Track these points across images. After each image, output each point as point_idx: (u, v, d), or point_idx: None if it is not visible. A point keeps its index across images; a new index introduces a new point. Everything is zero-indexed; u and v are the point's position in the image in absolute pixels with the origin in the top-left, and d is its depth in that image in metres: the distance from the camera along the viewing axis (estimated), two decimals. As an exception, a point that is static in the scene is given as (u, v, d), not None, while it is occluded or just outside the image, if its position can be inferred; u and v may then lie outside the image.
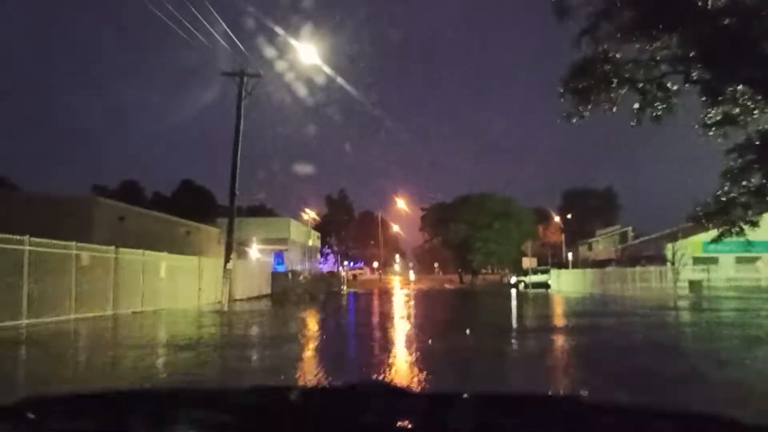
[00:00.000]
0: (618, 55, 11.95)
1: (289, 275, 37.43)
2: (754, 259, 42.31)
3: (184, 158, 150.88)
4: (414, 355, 10.95)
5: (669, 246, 32.48)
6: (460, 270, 70.06)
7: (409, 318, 20.25)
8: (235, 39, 20.70)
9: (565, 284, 40.65)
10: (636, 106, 12.45)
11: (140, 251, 20.61)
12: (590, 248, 74.16)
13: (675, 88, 12.27)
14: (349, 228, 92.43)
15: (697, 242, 40.64)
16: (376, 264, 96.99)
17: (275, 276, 36.92)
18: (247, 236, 44.43)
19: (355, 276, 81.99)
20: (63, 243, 16.18)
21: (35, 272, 15.05)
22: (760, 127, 12.89)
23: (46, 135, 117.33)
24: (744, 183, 14.30)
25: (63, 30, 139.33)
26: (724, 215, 15.15)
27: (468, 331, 14.44)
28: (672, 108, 12.51)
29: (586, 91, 12.23)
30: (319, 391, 1.32)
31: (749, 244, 18.38)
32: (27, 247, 14.76)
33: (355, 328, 17.99)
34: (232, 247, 22.65)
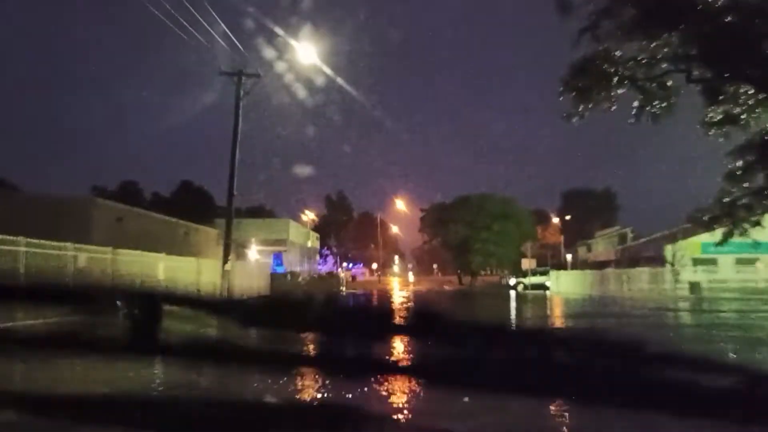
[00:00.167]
0: (618, 54, 11.88)
1: (288, 276, 37.36)
2: (753, 261, 42.21)
3: (184, 159, 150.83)
4: (413, 356, 10.83)
5: (669, 247, 32.43)
6: (459, 271, 69.91)
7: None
8: (234, 39, 20.61)
9: (565, 286, 40.54)
10: (635, 104, 12.36)
11: (138, 252, 20.50)
12: (589, 249, 74.08)
13: (675, 87, 12.19)
14: (348, 229, 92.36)
15: (696, 243, 40.57)
16: (375, 265, 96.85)
17: (274, 277, 36.82)
18: (246, 237, 44.36)
19: (354, 277, 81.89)
20: (59, 244, 16.06)
21: (32, 273, 14.92)
22: (761, 127, 12.80)
23: (45, 135, 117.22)
24: (746, 184, 14.20)
25: (61, 29, 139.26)
26: (728, 217, 15.05)
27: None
28: (671, 107, 12.42)
29: (586, 90, 12.14)
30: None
31: (755, 244, 18.28)
32: (22, 248, 14.65)
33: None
34: (230, 248, 22.53)
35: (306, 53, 21.18)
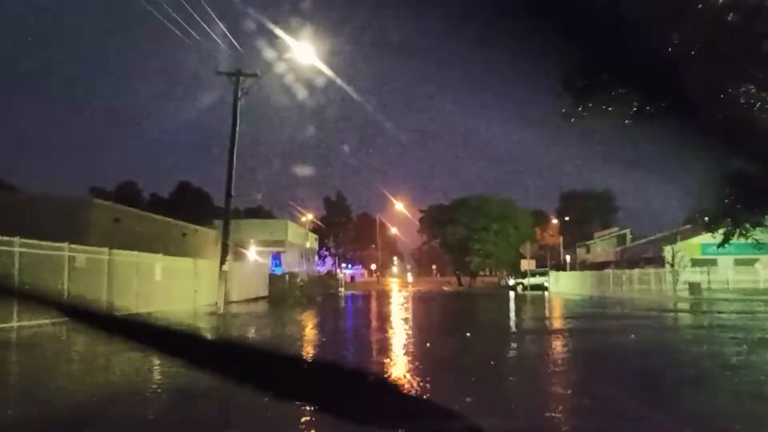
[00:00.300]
0: (619, 53, 11.75)
1: (287, 277, 37.25)
2: (752, 261, 42.17)
3: (183, 160, 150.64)
4: (413, 359, 10.73)
5: (668, 248, 32.34)
6: (458, 272, 69.89)
7: (407, 321, 20.04)
8: (232, 39, 20.53)
9: (564, 286, 40.48)
10: (635, 104, 12.23)
11: (134, 253, 20.38)
12: (588, 250, 74.06)
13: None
14: (347, 230, 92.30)
15: (695, 244, 40.50)
16: (374, 266, 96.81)
17: (272, 278, 36.71)
18: (245, 238, 44.24)
19: (352, 278, 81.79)
20: (54, 244, 15.94)
21: (26, 274, 14.82)
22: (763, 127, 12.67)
23: (44, 136, 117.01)
24: (746, 184, 14.08)
25: (59, 29, 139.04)
26: (729, 217, 14.93)
27: (468, 335, 14.25)
28: (671, 106, 12.28)
29: (586, 89, 12.02)
30: None
31: (758, 245, 18.18)
32: (17, 249, 14.53)
33: (354, 332, 17.78)
34: (228, 249, 22.42)
35: (305, 53, 21.08)
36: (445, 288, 58.42)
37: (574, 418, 6.25)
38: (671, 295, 27.31)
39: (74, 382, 8.64)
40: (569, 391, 7.60)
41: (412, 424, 0.97)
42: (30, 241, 14.98)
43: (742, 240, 16.71)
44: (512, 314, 23.39)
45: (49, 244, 15.73)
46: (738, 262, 42.83)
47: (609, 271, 40.05)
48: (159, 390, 7.54)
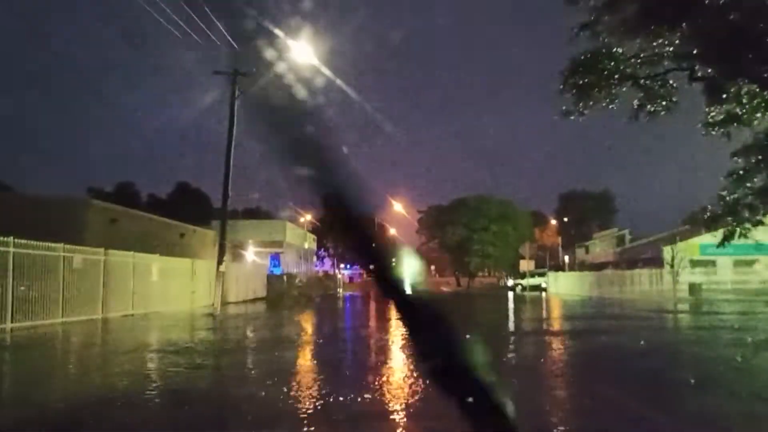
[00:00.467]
0: (620, 51, 11.66)
1: (284, 278, 37.10)
2: (751, 262, 42.13)
3: (181, 161, 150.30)
4: (413, 362, 10.58)
5: (668, 248, 32.19)
6: (456, 273, 69.74)
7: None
8: (230, 39, 20.20)
9: (563, 287, 40.35)
10: (636, 103, 12.16)
11: (130, 253, 20.22)
12: (587, 251, 73.95)
13: (677, 86, 11.99)
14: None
15: (694, 245, 40.43)
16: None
17: (270, 278, 36.57)
18: (243, 238, 44.07)
19: (351, 279, 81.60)
20: (49, 245, 15.77)
21: (21, 275, 14.67)
22: (766, 126, 12.59)
23: (43, 136, 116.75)
24: (749, 184, 14.01)
25: (57, 29, 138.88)
26: (730, 217, 14.84)
27: (468, 336, 14.07)
28: (672, 106, 12.21)
29: (586, 87, 11.93)
30: None
31: (758, 246, 18.07)
32: (11, 249, 14.36)
33: (352, 333, 17.63)
34: (225, 249, 22.24)
35: (303, 52, 20.92)
36: (444, 289, 58.26)
37: (578, 420, 6.13)
38: (671, 295, 27.16)
39: None
40: (572, 393, 7.48)
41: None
42: (24, 242, 14.82)
43: (742, 240, 16.61)
44: (511, 315, 23.26)
45: (44, 244, 15.57)
46: (737, 263, 42.78)
47: (608, 272, 39.98)
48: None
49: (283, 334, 16.02)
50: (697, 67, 11.53)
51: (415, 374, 8.74)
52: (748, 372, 9.13)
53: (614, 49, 11.61)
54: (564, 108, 12.54)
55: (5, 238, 14.28)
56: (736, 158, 13.90)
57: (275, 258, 47.55)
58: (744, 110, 11.99)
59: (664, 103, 11.99)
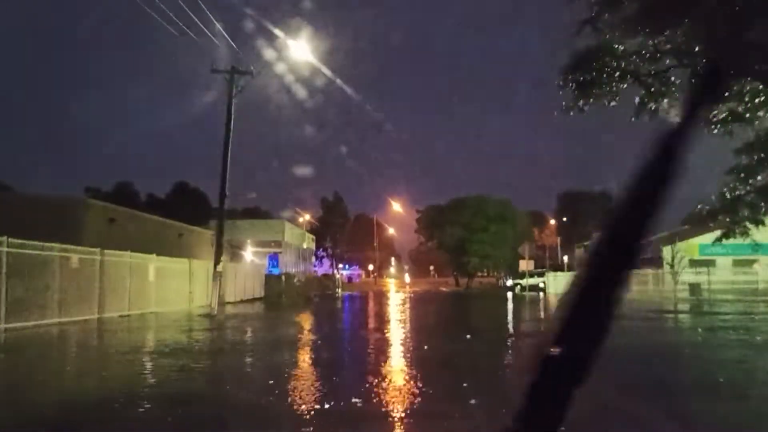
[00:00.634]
0: (621, 48, 11.50)
1: (283, 278, 36.95)
2: (751, 262, 42.02)
3: (180, 160, 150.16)
4: (412, 363, 10.44)
5: (668, 249, 32.05)
6: (455, 273, 69.59)
7: (404, 323, 19.76)
8: (228, 38, 20.20)
9: (562, 287, 40.18)
10: (637, 100, 11.99)
11: (127, 253, 20.06)
12: (586, 251, 73.81)
13: (678, 82, 11.82)
14: (344, 231, 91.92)
15: (694, 245, 40.29)
16: (371, 267, 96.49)
17: (269, 278, 36.41)
18: (241, 238, 43.92)
19: (350, 279, 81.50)
20: (44, 244, 15.61)
21: (15, 275, 14.50)
22: (770, 124, 12.46)
23: (42, 136, 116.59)
24: (750, 181, 13.87)
25: (55, 29, 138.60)
26: (730, 214, 14.70)
27: (468, 336, 13.97)
28: (675, 104, 12.04)
29: (587, 83, 11.76)
30: None
31: (756, 246, 17.94)
32: (5, 249, 14.19)
33: (350, 334, 17.47)
34: (222, 249, 22.10)
35: (301, 52, 20.81)
36: (443, 289, 58.16)
37: (579, 424, 5.97)
38: (671, 296, 27.04)
39: None
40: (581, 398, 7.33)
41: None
42: (19, 241, 14.66)
43: (741, 240, 16.47)
44: (511, 315, 23.12)
45: (39, 244, 15.41)
46: (736, 263, 42.67)
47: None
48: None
49: (280, 335, 15.86)
50: (699, 65, 11.35)
51: (414, 375, 8.60)
52: (756, 374, 8.99)
53: (615, 46, 11.45)
54: (563, 106, 12.37)
55: (-1, 238, 14.14)
56: (739, 155, 13.77)
57: (274, 258, 47.41)
58: (746, 108, 11.84)
59: (666, 100, 11.84)
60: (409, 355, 11.26)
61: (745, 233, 15.86)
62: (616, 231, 1.01)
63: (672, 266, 28.28)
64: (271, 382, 8.26)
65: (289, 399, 6.97)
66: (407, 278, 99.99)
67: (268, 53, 21.62)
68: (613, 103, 11.99)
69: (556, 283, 41.73)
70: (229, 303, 27.16)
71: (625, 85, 11.93)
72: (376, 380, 8.14)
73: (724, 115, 12.18)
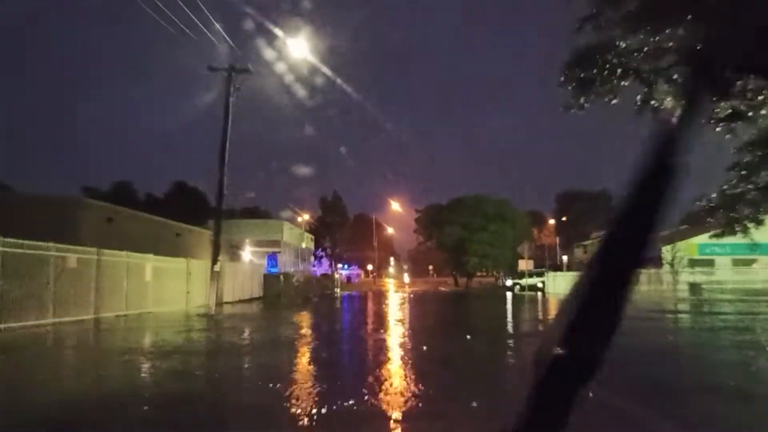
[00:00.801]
0: (623, 45, 11.37)
1: (281, 278, 36.82)
2: (750, 262, 41.90)
3: (179, 160, 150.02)
4: (411, 363, 10.31)
5: (667, 248, 31.94)
6: (454, 273, 69.48)
7: (403, 323, 19.63)
8: (227, 38, 20.07)
9: (562, 287, 40.12)
10: (639, 98, 11.88)
11: (123, 253, 19.92)
12: (585, 251, 73.74)
13: (680, 80, 11.72)
14: (343, 230, 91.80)
15: (693, 245, 40.20)
16: (370, 267, 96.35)
17: (267, 278, 36.28)
18: (240, 238, 43.78)
19: (349, 279, 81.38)
20: (40, 244, 15.47)
21: (11, 274, 14.36)
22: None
23: (41, 136, 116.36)
24: (753, 178, 13.77)
25: (53, 30, 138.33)
26: (730, 210, 14.60)
27: (468, 337, 13.84)
28: (676, 101, 11.90)
29: (588, 80, 11.65)
30: None
31: (754, 246, 17.85)
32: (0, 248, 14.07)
33: (349, 334, 17.33)
34: (219, 248, 21.96)
35: (300, 50, 20.69)
36: (442, 288, 58.06)
37: (583, 423, 5.86)
38: (671, 295, 26.92)
39: None
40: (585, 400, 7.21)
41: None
42: (13, 241, 14.51)
43: (740, 238, 16.37)
44: (510, 316, 23.00)
45: (34, 243, 15.26)
46: (736, 263, 42.57)
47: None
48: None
49: (278, 335, 15.72)
50: (702, 63, 11.22)
51: (414, 375, 8.48)
52: (761, 375, 8.87)
53: (617, 42, 11.33)
54: (564, 104, 12.25)
55: (-7, 237, 14.00)
56: (742, 153, 13.66)
57: (272, 258, 47.31)
58: (749, 106, 11.73)
59: (668, 98, 11.71)
60: (408, 355, 11.13)
61: (745, 231, 15.77)
62: (621, 229, 1.00)
63: (672, 266, 28.14)
64: (269, 383, 8.13)
65: (288, 400, 6.85)
66: (406, 278, 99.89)
67: (267, 52, 21.52)
68: (614, 101, 11.87)
69: (556, 283, 41.64)
70: (227, 303, 27.04)
71: (627, 83, 11.82)
72: (375, 381, 8.02)
73: (726, 113, 12.07)
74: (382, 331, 16.22)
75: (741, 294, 31.68)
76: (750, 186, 13.83)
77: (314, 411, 6.24)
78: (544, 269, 49.22)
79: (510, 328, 17.97)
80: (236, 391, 7.83)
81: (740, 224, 15.58)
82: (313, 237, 70.40)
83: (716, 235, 17.02)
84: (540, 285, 42.90)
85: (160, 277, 22.25)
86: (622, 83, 11.87)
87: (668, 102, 11.23)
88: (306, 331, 17.22)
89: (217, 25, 19.02)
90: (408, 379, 8.32)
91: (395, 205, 75.04)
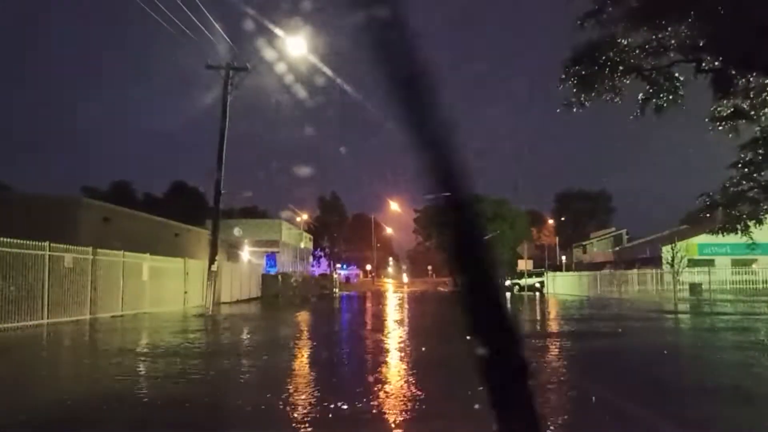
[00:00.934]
0: (625, 42, 11.26)
1: (279, 278, 36.67)
2: (749, 262, 41.79)
3: (179, 160, 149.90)
4: (411, 365, 10.17)
5: (668, 248, 31.78)
6: (453, 273, 69.28)
7: (402, 323, 19.50)
8: (226, 37, 19.92)
9: (561, 287, 40.03)
10: (641, 96, 11.77)
11: (120, 252, 19.76)
12: (584, 251, 73.66)
13: (683, 78, 11.61)
14: (342, 230, 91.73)
15: (692, 245, 40.07)
16: (369, 267, 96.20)
17: (265, 278, 36.13)
18: (238, 238, 43.59)
19: (348, 279, 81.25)
20: (35, 243, 15.32)
21: (4, 274, 14.21)
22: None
23: (40, 135, 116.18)
24: (755, 176, 13.67)
25: (49, 28, 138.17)
26: (731, 208, 14.50)
27: (468, 338, 13.68)
28: (678, 99, 11.83)
29: (590, 77, 11.53)
30: None
31: (753, 246, 17.72)
32: (-8, 247, 13.93)
33: (347, 334, 17.19)
34: (217, 248, 21.81)
35: (298, 48, 20.54)
36: (441, 289, 57.92)
37: (584, 424, 5.75)
38: (671, 295, 26.75)
39: None
40: (573, 401, 7.07)
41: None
42: (7, 240, 14.36)
43: (740, 236, 16.26)
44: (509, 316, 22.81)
45: (29, 243, 15.11)
46: (735, 263, 42.46)
47: (606, 272, 39.59)
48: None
49: (276, 335, 15.57)
50: (704, 59, 11.13)
51: (414, 377, 8.34)
52: (765, 376, 8.73)
53: (618, 39, 11.21)
54: (565, 102, 12.13)
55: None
56: (744, 151, 13.57)
57: (271, 258, 47.17)
58: (752, 105, 11.63)
59: (670, 96, 11.61)
60: (407, 356, 10.98)
61: (745, 229, 15.66)
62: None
63: (672, 265, 27.97)
64: (267, 383, 7.99)
65: (287, 400, 6.71)
66: (405, 278, 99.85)
67: (265, 50, 21.37)
68: (617, 99, 11.76)
69: (555, 284, 41.52)
70: (224, 303, 26.89)
71: (628, 80, 11.71)
72: (375, 382, 7.89)
73: (729, 112, 11.97)
74: (381, 331, 16.07)
75: (741, 294, 31.58)
76: (752, 184, 13.74)
77: (314, 411, 6.11)
78: (543, 269, 49.08)
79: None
80: (234, 393, 7.68)
81: (741, 222, 15.49)
82: (311, 237, 70.26)
83: (715, 232, 16.91)
84: (538, 285, 42.77)
85: (157, 277, 22.10)
86: (624, 80, 11.76)
87: (670, 99, 11.14)
88: (305, 331, 17.08)
89: (216, 25, 18.88)
90: (407, 380, 8.18)
91: (394, 205, 74.92)
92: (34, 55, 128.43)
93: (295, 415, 6.06)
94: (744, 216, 15.16)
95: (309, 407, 6.39)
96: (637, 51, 11.32)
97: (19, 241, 14.71)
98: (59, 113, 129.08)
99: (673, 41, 11.29)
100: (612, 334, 14.77)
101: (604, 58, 11.31)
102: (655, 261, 40.20)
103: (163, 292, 22.49)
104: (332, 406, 6.36)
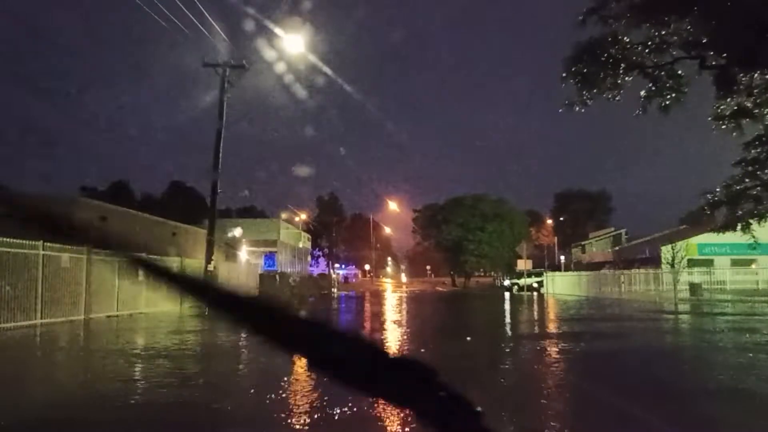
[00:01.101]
0: (627, 39, 11.10)
1: (277, 277, 36.50)
2: (749, 262, 41.70)
3: (178, 160, 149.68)
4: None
5: (668, 248, 31.65)
6: (452, 272, 69.23)
7: (401, 324, 19.35)
8: (225, 37, 19.73)
9: (560, 287, 39.87)
10: (643, 93, 11.62)
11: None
12: (583, 251, 73.53)
13: (686, 75, 11.46)
14: (341, 230, 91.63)
15: (692, 245, 39.95)
16: (368, 266, 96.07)
17: (263, 278, 35.96)
18: (236, 237, 43.42)
19: (346, 279, 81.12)
20: (27, 243, 15.13)
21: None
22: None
23: (39, 135, 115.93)
24: (759, 173, 13.53)
25: (45, 27, 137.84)
26: (734, 206, 14.36)
27: (468, 338, 13.56)
28: (681, 98, 11.67)
29: (591, 75, 11.36)
30: None
31: (753, 244, 17.58)
32: (-14, 247, 13.75)
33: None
34: (213, 247, 21.64)
35: (299, 49, 20.39)
36: (440, 288, 57.82)
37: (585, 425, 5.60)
38: (670, 296, 26.60)
39: None
40: (572, 403, 6.92)
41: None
42: (1, 239, 14.17)
43: (740, 235, 16.13)
44: (509, 317, 22.73)
45: (22, 242, 14.92)
46: (735, 263, 42.36)
47: (605, 272, 39.46)
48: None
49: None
50: (707, 56, 10.97)
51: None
52: (764, 376, 8.58)
53: (620, 36, 11.05)
54: (566, 101, 11.96)
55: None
56: (747, 149, 13.43)
57: (270, 257, 47.01)
58: (755, 103, 11.48)
59: (673, 94, 11.45)
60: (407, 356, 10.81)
61: (747, 227, 15.52)
62: None
63: (672, 266, 27.83)
64: (266, 384, 7.84)
65: (286, 401, 6.57)
66: (404, 278, 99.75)
67: (264, 49, 21.19)
68: (618, 98, 11.60)
69: (554, 283, 41.37)
70: (222, 303, 26.67)
71: (630, 78, 11.56)
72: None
73: (732, 110, 11.82)
74: (380, 331, 15.91)
75: (741, 294, 31.45)
76: (756, 182, 13.59)
77: (314, 412, 5.98)
78: (542, 269, 48.94)
79: (508, 329, 17.71)
80: (232, 394, 7.53)
81: (743, 220, 15.36)
82: (310, 237, 70.10)
83: (717, 230, 16.77)
84: (536, 285, 42.64)
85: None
86: (626, 78, 11.60)
87: (673, 97, 10.97)
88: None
89: (214, 23, 18.70)
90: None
91: (393, 205, 74.81)
92: (33, 55, 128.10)
93: (294, 415, 5.92)
94: (746, 214, 15.03)
95: (309, 407, 6.25)
96: (640, 48, 11.17)
97: (11, 240, 14.52)
98: (57, 113, 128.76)
99: (675, 38, 11.14)
100: (612, 335, 14.62)
101: (606, 55, 11.15)
102: (655, 261, 40.06)
103: (158, 292, 22.29)
104: (331, 406, 6.21)
